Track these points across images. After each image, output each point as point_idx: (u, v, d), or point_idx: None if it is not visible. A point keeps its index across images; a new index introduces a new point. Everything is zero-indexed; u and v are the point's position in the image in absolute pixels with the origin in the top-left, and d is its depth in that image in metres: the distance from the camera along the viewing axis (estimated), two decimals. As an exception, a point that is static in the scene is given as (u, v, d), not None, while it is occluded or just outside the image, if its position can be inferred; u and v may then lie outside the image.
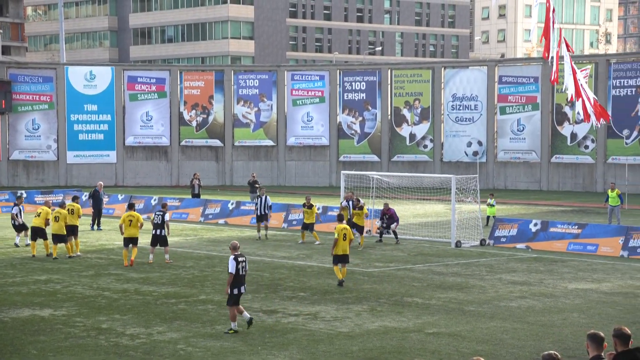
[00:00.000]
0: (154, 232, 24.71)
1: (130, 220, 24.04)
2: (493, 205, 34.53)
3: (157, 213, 24.97)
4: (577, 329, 16.21)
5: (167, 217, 24.94)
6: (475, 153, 58.00)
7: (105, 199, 36.55)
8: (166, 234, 24.67)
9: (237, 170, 61.30)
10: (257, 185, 42.82)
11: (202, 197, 42.32)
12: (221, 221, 36.17)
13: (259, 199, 30.70)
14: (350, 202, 28.77)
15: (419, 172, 55.19)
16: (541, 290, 20.59)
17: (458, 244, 28.60)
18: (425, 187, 38.16)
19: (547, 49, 12.72)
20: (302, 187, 59.24)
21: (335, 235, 21.18)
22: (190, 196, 42.41)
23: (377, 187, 33.10)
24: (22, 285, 20.83)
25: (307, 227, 29.53)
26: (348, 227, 21.97)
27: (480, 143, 58.11)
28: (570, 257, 26.41)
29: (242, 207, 37.09)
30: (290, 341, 15.21)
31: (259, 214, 30.52)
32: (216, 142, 61.34)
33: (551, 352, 8.08)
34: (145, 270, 23.24)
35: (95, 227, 33.93)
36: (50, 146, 58.96)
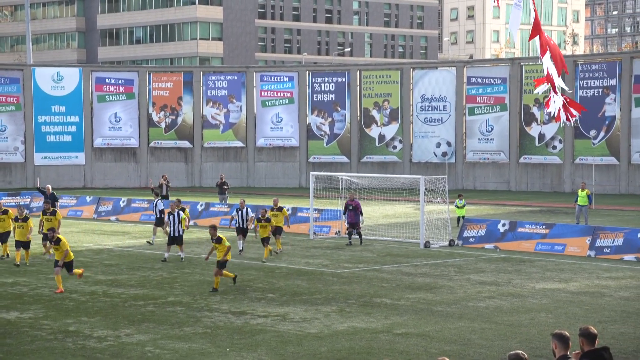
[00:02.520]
0: (171, 233, 25.15)
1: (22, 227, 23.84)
2: (463, 207, 34.55)
3: (170, 214, 25.29)
4: (544, 329, 16.35)
5: (182, 214, 25.44)
6: (444, 154, 58.32)
7: (58, 204, 34.10)
8: (182, 232, 25.33)
9: (207, 171, 61.10)
10: (225, 187, 42.71)
11: (170, 198, 42.07)
12: (190, 223, 35.96)
13: (239, 212, 27.37)
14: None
15: (389, 173, 55.38)
16: (509, 290, 20.75)
17: (427, 245, 28.73)
18: (394, 187, 38.31)
19: (544, 49, 12.86)
20: (272, 188, 59.18)
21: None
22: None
23: (347, 188, 33.16)
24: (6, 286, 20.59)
25: (276, 231, 27.03)
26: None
27: (449, 144, 58.44)
28: (538, 257, 26.64)
29: (212, 209, 36.98)
30: (259, 342, 15.20)
31: (239, 226, 27.50)
32: (185, 144, 61.10)
33: (518, 351, 8.13)
34: (113, 272, 23.09)
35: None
36: (17, 148, 58.35)
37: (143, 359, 14.06)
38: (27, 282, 21.49)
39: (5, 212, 25.66)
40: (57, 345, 14.97)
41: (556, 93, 13.25)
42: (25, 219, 24.43)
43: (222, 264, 20.60)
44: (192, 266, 24.32)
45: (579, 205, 34.51)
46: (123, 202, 39.15)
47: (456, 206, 34.33)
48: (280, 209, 27.76)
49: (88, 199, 41.01)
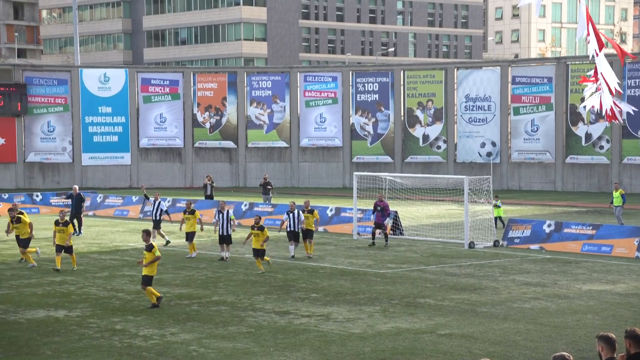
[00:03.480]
0: (220, 233, 25.18)
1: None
2: (499, 207, 34.04)
3: (219, 212, 25.42)
4: (590, 331, 16.15)
5: (231, 213, 25.84)
6: (489, 154, 57.85)
7: (84, 204, 33.93)
8: (231, 231, 25.44)
9: (251, 171, 61.40)
10: (269, 187, 42.88)
11: (215, 198, 42.41)
12: (235, 222, 36.18)
13: (291, 215, 26.26)
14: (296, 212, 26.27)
15: (432, 173, 55.10)
16: (555, 291, 20.52)
17: (471, 245, 28.54)
18: (438, 188, 38.12)
19: (601, 43, 12.59)
20: (316, 188, 59.27)
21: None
22: (203, 197, 42.51)
23: (390, 189, 33.08)
24: (37, 287, 20.95)
25: (307, 235, 26.37)
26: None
27: (493, 144, 57.96)
28: (584, 258, 26.30)
29: (256, 209, 37.15)
30: (303, 342, 15.24)
31: (291, 230, 26.28)
32: (229, 144, 61.47)
33: (563, 353, 8.05)
34: (158, 272, 23.28)
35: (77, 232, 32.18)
36: (65, 148, 59.26)
37: (188, 357, 14.19)
38: (75, 281, 21.82)
39: (19, 220, 25.21)
40: (104, 343, 15.18)
41: (612, 93, 13.03)
42: (66, 224, 24.06)
43: (146, 279, 18.41)
44: (236, 266, 24.48)
45: (614, 206, 34.13)
46: (168, 202, 39.52)
47: (496, 206, 33.85)
48: (312, 211, 26.72)
49: (134, 198, 41.48)
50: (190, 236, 26.39)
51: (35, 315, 17.55)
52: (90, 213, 41.15)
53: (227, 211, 25.66)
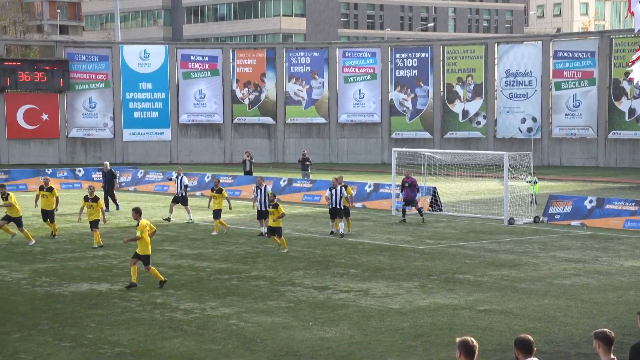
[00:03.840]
0: (259, 208, 25.22)
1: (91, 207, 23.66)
2: (535, 183, 33.42)
3: (257, 187, 25.56)
4: (632, 307, 15.99)
5: (269, 189, 25.70)
6: (529, 129, 57.27)
7: (116, 181, 33.76)
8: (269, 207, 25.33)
9: (289, 147, 61.53)
10: (307, 163, 42.97)
11: (254, 174, 42.61)
12: (252, 196, 36.34)
13: (333, 191, 25.63)
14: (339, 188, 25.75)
15: (472, 149, 54.73)
16: (596, 267, 20.34)
17: (511, 221, 28.36)
18: (478, 164, 37.86)
19: None
20: (354, 164, 59.25)
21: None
22: (242, 173, 42.74)
23: (429, 165, 32.95)
24: (81, 260, 21.30)
25: (345, 213, 25.78)
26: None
27: (534, 119, 57.35)
28: (626, 234, 26.01)
29: (294, 184, 37.28)
30: (341, 317, 15.32)
31: (334, 207, 25.78)
32: (268, 120, 61.62)
33: (604, 329, 7.93)
34: (198, 247, 23.57)
35: (113, 206, 32.33)
36: (106, 124, 59.90)
37: (228, 331, 14.35)
38: (117, 254, 22.13)
39: (50, 189, 25.26)
40: (146, 316, 15.41)
41: None
42: (95, 199, 23.86)
43: (145, 259, 17.96)
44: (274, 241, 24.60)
45: None
46: (207, 177, 39.82)
47: (532, 182, 33.39)
48: (345, 187, 26.08)
49: (174, 174, 41.79)
50: (216, 213, 26.26)
51: (78, 289, 17.86)
52: (131, 188, 41.62)
53: (265, 187, 25.72)
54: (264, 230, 25.44)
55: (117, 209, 32.31)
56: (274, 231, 22.76)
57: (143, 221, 18.04)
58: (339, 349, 13.28)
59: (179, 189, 29.63)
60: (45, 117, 58.54)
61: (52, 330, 14.48)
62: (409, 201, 28.83)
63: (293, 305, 16.21)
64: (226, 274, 19.49)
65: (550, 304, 16.44)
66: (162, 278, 17.92)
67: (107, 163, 34.24)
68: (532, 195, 32.98)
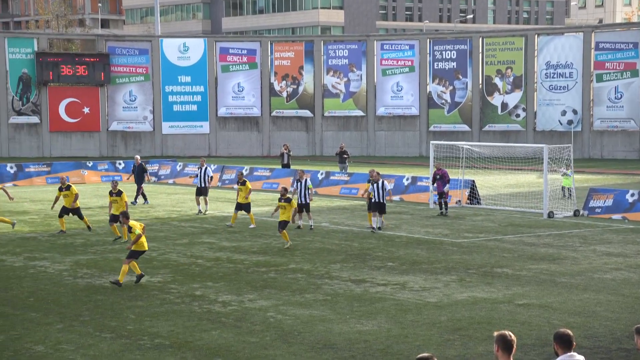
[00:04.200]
0: (299, 201, 25.20)
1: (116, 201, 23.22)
2: (569, 176, 32.52)
3: (298, 181, 25.71)
4: (673, 303, 15.77)
5: (309, 182, 25.80)
6: (569, 122, 56.64)
7: (147, 175, 33.30)
8: (309, 200, 25.58)
9: (327, 140, 61.56)
10: (345, 156, 42.95)
11: (292, 167, 42.73)
12: (291, 189, 36.43)
13: (375, 185, 25.19)
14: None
15: (511, 142, 54.28)
16: (637, 262, 20.08)
17: (550, 215, 28.10)
18: (517, 157, 37.56)
19: None
20: (392, 157, 59.12)
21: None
22: (280, 166, 42.87)
23: (467, 157, 32.75)
24: (121, 253, 21.52)
25: (377, 208, 24.98)
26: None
27: (575, 111, 56.70)
28: (668, 228, 25.61)
29: (332, 177, 37.31)
30: (379, 310, 15.32)
31: (376, 201, 25.19)
32: (306, 113, 61.69)
33: (504, 331, 7.58)
34: (236, 239, 23.71)
35: (141, 200, 32.26)
36: (146, 117, 60.45)
37: (265, 324, 14.43)
38: (156, 247, 22.35)
39: (69, 187, 24.88)
40: (185, 308, 15.56)
41: None
42: (119, 193, 23.80)
43: (133, 253, 17.80)
44: (312, 234, 24.67)
45: None
46: (246, 170, 40.00)
47: (566, 175, 32.80)
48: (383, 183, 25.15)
49: (213, 167, 42.07)
50: (242, 207, 26.05)
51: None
52: (170, 181, 41.98)
53: (305, 180, 25.77)
54: (301, 223, 25.54)
55: (145, 202, 32.32)
56: (285, 226, 22.41)
57: (132, 222, 18.17)
58: (376, 342, 13.29)
59: (203, 180, 29.63)
60: (86, 110, 59.26)
61: (93, 321, 14.69)
62: (441, 193, 28.80)
63: (330, 298, 16.25)
64: (264, 266, 19.59)
65: (591, 298, 16.27)
66: (140, 272, 17.79)
67: (138, 157, 34.21)
68: (564, 188, 32.54)
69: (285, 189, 23.52)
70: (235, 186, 29.42)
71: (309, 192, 25.64)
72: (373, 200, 24.98)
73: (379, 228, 25.02)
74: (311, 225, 25.37)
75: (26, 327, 14.31)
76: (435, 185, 29.16)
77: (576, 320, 14.56)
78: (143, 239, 17.93)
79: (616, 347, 13.12)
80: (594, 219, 27.98)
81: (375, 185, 25.04)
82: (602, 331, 13.98)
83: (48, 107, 58.64)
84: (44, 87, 58.35)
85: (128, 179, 34.60)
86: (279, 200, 23.05)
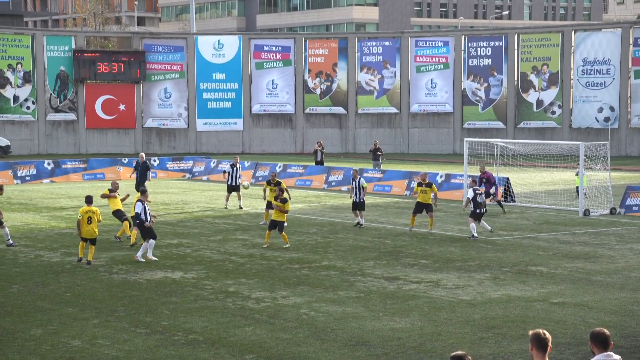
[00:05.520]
0: (354, 199, 25.38)
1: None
2: (584, 175, 31.93)
3: (352, 179, 25.71)
4: None
5: (362, 181, 25.60)
6: (606, 119, 55.99)
7: (150, 172, 32.47)
8: (363, 198, 25.52)
9: (360, 137, 61.48)
10: (379, 153, 42.88)
11: (325, 164, 42.75)
12: (344, 188, 36.47)
13: (354, 183, 25.57)
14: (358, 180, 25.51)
15: (546, 139, 53.80)
16: (674, 261, 19.82)
17: (586, 213, 27.81)
18: (552, 154, 37.22)
19: None
20: (425, 154, 58.89)
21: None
22: (313, 163, 42.92)
23: (502, 155, 32.54)
24: (155, 249, 21.69)
25: (423, 208, 24.74)
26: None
27: (612, 108, 56.02)
28: None
29: (365, 175, 37.26)
30: (412, 308, 15.29)
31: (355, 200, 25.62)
32: (340, 110, 61.66)
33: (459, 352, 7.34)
34: (270, 236, 23.75)
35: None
36: (181, 114, 60.83)
37: (298, 320, 14.47)
38: (190, 243, 22.51)
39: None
40: (218, 304, 15.65)
41: None
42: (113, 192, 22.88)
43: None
44: (345, 231, 24.68)
45: None
46: (279, 167, 40.11)
47: (579, 174, 31.97)
48: (430, 185, 24.84)
49: (246, 164, 42.25)
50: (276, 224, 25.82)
51: (153, 276, 18.24)
52: (204, 178, 42.23)
53: (359, 179, 25.74)
54: (360, 220, 25.43)
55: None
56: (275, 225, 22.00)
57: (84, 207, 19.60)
58: (410, 340, 13.27)
59: (236, 177, 29.73)
60: (122, 107, 59.80)
61: (128, 316, 14.83)
62: (488, 194, 28.25)
63: (363, 296, 16.25)
64: (297, 263, 19.64)
65: (627, 297, 16.09)
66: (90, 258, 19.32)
67: (143, 154, 33.34)
68: (578, 188, 31.70)
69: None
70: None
71: (363, 190, 25.59)
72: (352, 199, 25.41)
73: (359, 224, 25.21)
74: (361, 223, 25.29)
75: (63, 322, 14.49)
76: (483, 186, 28.55)
77: (612, 320, 14.41)
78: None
79: (653, 347, 12.96)
80: (631, 217, 27.65)
81: (353, 183, 25.49)
82: (639, 330, 13.82)
83: (85, 104, 59.27)
84: (81, 84, 58.99)
85: (131, 175, 34.29)
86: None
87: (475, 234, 23.18)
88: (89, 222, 19.47)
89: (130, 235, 22.24)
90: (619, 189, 32.09)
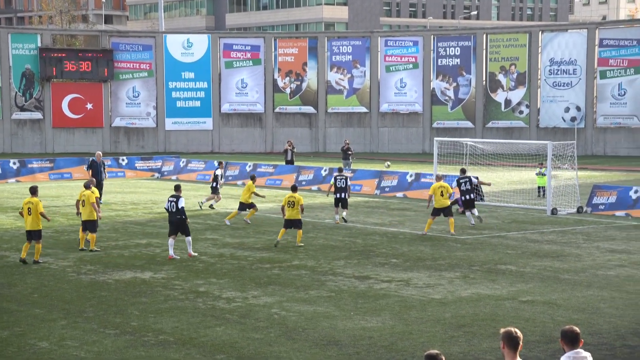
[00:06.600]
0: (336, 195, 26.06)
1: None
2: (544, 175, 31.67)
3: (339, 178, 26.20)
4: (678, 300, 15.75)
5: (349, 182, 26.42)
6: (573, 119, 56.58)
7: (105, 171, 32.21)
8: (347, 196, 26.16)
9: (330, 137, 61.53)
10: (349, 152, 42.93)
11: (295, 163, 42.72)
12: (314, 187, 36.48)
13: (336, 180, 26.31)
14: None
15: (514, 139, 54.25)
16: (641, 259, 20.06)
17: (554, 212, 28.08)
18: (520, 153, 37.53)
19: None
20: (395, 153, 59.08)
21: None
22: (284, 163, 42.87)
23: (471, 154, 32.72)
24: (124, 249, 21.56)
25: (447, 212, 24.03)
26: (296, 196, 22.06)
27: (578, 108, 56.62)
28: (672, 226, 25.58)
29: (335, 174, 37.27)
30: (383, 307, 15.32)
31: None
32: (310, 109, 61.65)
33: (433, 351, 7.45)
34: (240, 236, 23.71)
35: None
36: (149, 113, 60.43)
37: (270, 320, 14.43)
38: (160, 243, 22.36)
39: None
40: (189, 305, 15.56)
41: None
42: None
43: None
44: (316, 230, 24.68)
45: None
46: (249, 166, 40.00)
47: (541, 174, 32.16)
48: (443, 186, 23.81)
49: (216, 163, 42.05)
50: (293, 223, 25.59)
51: (122, 277, 18.09)
52: (174, 177, 41.99)
53: (346, 177, 26.42)
54: (344, 215, 26.09)
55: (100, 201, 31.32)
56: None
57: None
58: (381, 339, 13.29)
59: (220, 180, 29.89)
60: (89, 106, 59.27)
61: (97, 317, 14.69)
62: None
63: (334, 295, 16.25)
64: (268, 263, 19.59)
65: (595, 295, 16.27)
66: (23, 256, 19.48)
67: (100, 153, 32.85)
68: (539, 188, 32.33)
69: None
70: (243, 182, 29.38)
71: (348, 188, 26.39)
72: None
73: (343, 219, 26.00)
74: (345, 219, 26.13)
75: (30, 324, 14.32)
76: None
77: (580, 317, 14.55)
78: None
79: (620, 343, 13.11)
80: (598, 215, 27.97)
81: (339, 180, 26.38)
82: (606, 328, 13.97)
83: (51, 103, 58.66)
84: (47, 82, 58.37)
85: (91, 176, 32.89)
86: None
87: (473, 221, 24.52)
88: (29, 212, 19.39)
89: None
90: (585, 188, 32.44)
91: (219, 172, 30.06)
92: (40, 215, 19.45)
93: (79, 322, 14.37)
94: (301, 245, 21.75)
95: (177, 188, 20.93)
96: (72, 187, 36.94)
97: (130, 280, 17.73)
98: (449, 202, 23.83)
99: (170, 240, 20.27)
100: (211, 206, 29.68)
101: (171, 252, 20.21)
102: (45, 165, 41.76)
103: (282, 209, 22.20)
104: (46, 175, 41.07)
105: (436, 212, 23.83)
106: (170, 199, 20.47)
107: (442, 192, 23.70)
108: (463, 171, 26.25)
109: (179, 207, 20.20)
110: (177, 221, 20.16)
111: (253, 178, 26.46)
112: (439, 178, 24.64)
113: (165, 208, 20.84)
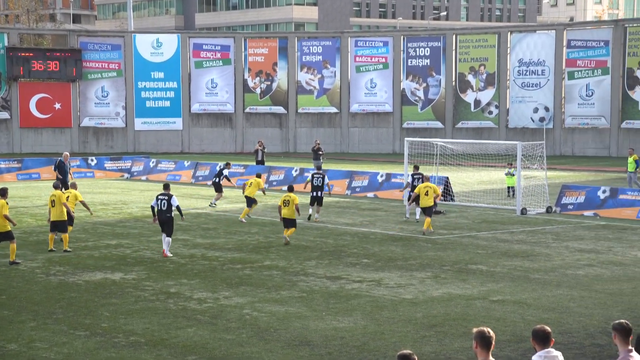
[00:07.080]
0: (312, 194, 26.59)
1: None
2: (513, 175, 31.82)
3: (316, 176, 26.64)
4: (646, 298, 15.94)
5: (326, 180, 26.90)
6: (541, 119, 57.07)
7: (71, 171, 31.90)
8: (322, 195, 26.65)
9: (301, 137, 61.52)
10: (320, 153, 42.94)
11: (266, 164, 42.64)
12: (284, 188, 36.42)
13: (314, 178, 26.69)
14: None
15: (484, 139, 54.60)
16: (610, 258, 20.28)
17: (524, 212, 28.29)
18: (490, 154, 37.78)
19: None
20: (365, 153, 59.20)
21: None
22: (254, 163, 42.77)
23: (441, 154, 32.87)
24: (94, 250, 21.38)
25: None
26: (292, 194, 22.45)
27: (547, 109, 57.13)
28: None
29: (306, 174, 37.26)
30: (355, 307, 15.33)
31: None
32: (280, 109, 61.59)
33: (622, 321, 7.90)
34: (211, 236, 23.62)
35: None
36: (118, 113, 59.99)
37: (241, 321, 14.38)
38: (130, 244, 22.20)
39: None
40: (160, 305, 15.46)
41: None
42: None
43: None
44: (287, 230, 24.62)
45: (628, 171, 34.30)
46: (220, 167, 39.82)
47: (510, 174, 32.39)
48: (429, 186, 24.22)
49: (186, 163, 41.90)
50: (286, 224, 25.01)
51: (92, 278, 17.93)
52: (144, 177, 41.73)
53: (323, 176, 26.96)
54: (317, 215, 26.45)
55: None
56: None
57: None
58: (353, 339, 13.30)
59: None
60: (57, 106, 58.71)
61: (67, 319, 14.55)
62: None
63: (306, 295, 16.24)
64: (239, 263, 19.53)
65: (564, 294, 16.41)
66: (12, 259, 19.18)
67: (67, 153, 32.27)
68: (509, 188, 32.71)
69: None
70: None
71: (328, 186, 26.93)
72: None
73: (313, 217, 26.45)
74: (317, 218, 26.54)
75: (-1, 326, 14.14)
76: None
77: (550, 316, 14.66)
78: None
79: (590, 342, 13.23)
80: (567, 215, 28.23)
81: (316, 178, 26.84)
82: (575, 327, 14.10)
83: (18, 103, 58.01)
84: (15, 82, 57.71)
85: (61, 176, 32.19)
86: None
87: (408, 215, 25.71)
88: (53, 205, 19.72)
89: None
90: (554, 188, 32.73)
91: (226, 172, 30.74)
92: (4, 217, 19.20)
93: (49, 324, 14.21)
94: (289, 242, 21.89)
95: (167, 187, 21.05)
96: (40, 188, 36.57)
97: (101, 281, 17.58)
98: (432, 203, 24.18)
99: (164, 237, 20.42)
100: (212, 204, 30.01)
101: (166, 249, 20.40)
102: (12, 166, 41.29)
103: (279, 208, 22.35)
104: (14, 176, 40.61)
105: (417, 202, 24.58)
106: (160, 197, 20.41)
107: (427, 191, 24.07)
108: (416, 168, 27.67)
109: (174, 206, 20.29)
110: (165, 220, 20.20)
111: (259, 175, 28.27)
112: (426, 178, 25.47)
113: (151, 206, 20.71)
